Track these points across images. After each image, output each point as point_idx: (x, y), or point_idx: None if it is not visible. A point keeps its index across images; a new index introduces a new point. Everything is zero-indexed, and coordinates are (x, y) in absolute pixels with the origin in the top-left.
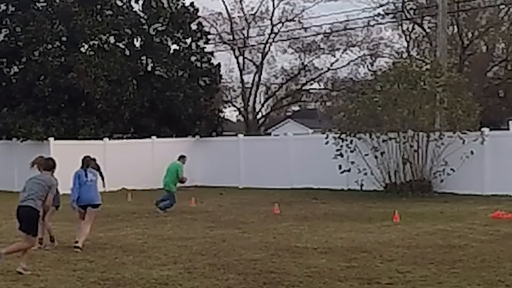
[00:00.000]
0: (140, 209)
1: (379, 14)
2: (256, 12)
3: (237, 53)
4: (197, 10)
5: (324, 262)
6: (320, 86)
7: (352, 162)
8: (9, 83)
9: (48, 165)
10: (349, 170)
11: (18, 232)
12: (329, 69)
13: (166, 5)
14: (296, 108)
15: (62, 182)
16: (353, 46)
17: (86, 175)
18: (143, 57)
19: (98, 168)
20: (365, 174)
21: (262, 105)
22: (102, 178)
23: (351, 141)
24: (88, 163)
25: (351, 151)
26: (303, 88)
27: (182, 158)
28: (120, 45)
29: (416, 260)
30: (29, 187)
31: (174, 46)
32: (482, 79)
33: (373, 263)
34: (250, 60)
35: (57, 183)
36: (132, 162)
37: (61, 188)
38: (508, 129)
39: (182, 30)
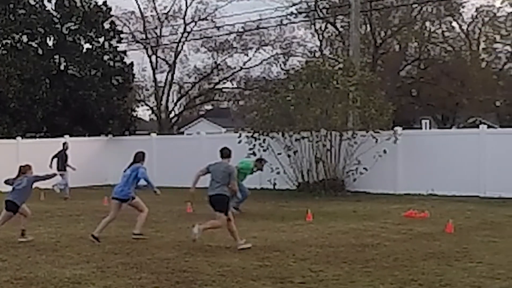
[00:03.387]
0: (53, 208)
1: (292, 13)
2: (169, 11)
3: (150, 52)
4: (110, 9)
5: (237, 261)
6: (233, 85)
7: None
8: None
9: (225, 153)
10: (261, 169)
11: None
12: (242, 68)
13: (78, 4)
14: (209, 107)
15: None
16: (266, 45)
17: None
18: (56, 56)
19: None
20: (278, 173)
21: (175, 104)
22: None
23: (264, 140)
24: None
25: (264, 150)
26: (216, 87)
27: (259, 162)
28: (33, 44)
29: (329, 259)
30: (215, 174)
31: (87, 45)
32: (395, 78)
33: (286, 262)
34: (163, 59)
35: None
36: (45, 161)
37: None
38: (421, 128)
39: (95, 29)
